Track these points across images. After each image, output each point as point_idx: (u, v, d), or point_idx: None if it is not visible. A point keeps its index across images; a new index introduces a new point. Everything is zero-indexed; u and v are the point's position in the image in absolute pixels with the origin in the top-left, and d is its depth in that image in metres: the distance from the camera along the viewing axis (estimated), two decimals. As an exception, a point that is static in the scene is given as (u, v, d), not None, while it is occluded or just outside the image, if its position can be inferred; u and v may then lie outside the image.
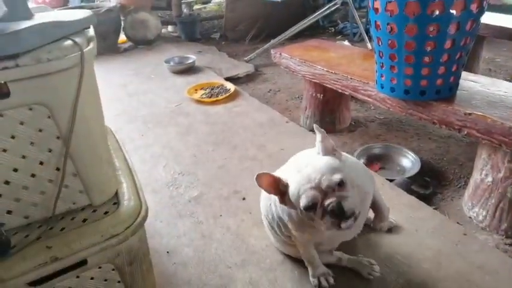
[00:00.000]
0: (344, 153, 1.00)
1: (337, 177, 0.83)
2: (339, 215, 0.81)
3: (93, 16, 0.90)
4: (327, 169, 0.85)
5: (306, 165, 0.88)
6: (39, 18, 0.76)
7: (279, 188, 0.91)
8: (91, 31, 0.89)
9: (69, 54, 0.71)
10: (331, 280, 1.11)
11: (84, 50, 0.74)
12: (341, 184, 0.84)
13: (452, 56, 1.32)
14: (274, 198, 0.99)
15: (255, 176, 0.88)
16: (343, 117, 2.21)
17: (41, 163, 0.76)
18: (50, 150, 0.76)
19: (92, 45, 0.80)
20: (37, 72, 0.67)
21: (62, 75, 0.71)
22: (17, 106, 0.69)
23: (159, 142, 2.06)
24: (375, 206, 1.13)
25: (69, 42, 0.73)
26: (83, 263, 0.80)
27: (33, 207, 0.79)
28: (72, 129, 0.75)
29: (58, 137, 0.76)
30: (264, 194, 1.16)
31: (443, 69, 1.35)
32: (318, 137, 0.92)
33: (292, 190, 0.88)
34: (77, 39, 0.75)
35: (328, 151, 0.92)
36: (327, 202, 0.82)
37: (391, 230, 1.30)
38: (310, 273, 1.13)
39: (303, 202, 0.84)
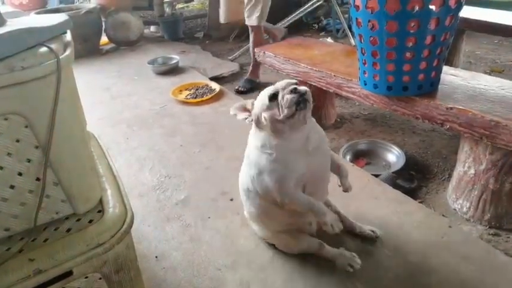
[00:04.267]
0: None
1: (294, 80, 1.03)
2: (295, 91, 0.97)
3: (69, 21, 0.88)
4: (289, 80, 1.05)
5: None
6: (12, 24, 0.74)
7: (247, 109, 1.10)
8: (68, 36, 0.87)
9: (44, 61, 0.69)
10: (340, 225, 1.06)
11: (60, 57, 0.72)
12: (296, 84, 1.02)
13: (433, 51, 1.34)
14: (253, 172, 1.10)
15: (231, 109, 1.11)
16: (329, 114, 2.22)
17: (20, 174, 0.74)
18: (28, 161, 0.74)
19: (68, 51, 0.78)
20: (11, 81, 0.65)
21: (37, 84, 0.69)
22: (-9, 116, 0.67)
23: (144, 145, 2.04)
24: (333, 162, 1.17)
25: (44, 49, 0.71)
26: (68, 273, 0.78)
27: (13, 219, 0.77)
28: (51, 138, 0.73)
29: (37, 147, 0.74)
30: (241, 176, 1.20)
31: (425, 65, 1.37)
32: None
33: (259, 98, 1.05)
34: (53, 46, 0.73)
35: None
36: (287, 88, 1.00)
37: (376, 238, 1.26)
38: (322, 221, 1.04)
39: (268, 92, 1.01)
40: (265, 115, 1.01)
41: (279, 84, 1.02)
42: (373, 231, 1.27)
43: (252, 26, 2.74)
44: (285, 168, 1.03)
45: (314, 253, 1.19)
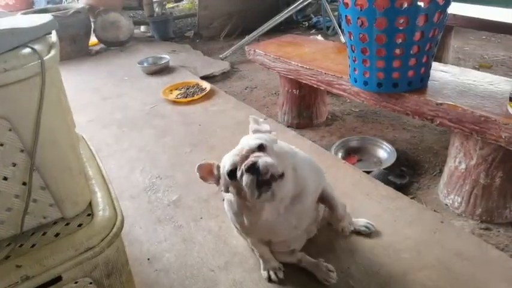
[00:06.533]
0: (292, 147, 1.04)
1: (257, 141, 0.87)
2: (252, 170, 0.81)
3: (54, 21, 0.86)
4: (252, 140, 0.89)
5: (239, 144, 0.92)
6: (-6, 25, 0.72)
7: (214, 173, 0.95)
8: (53, 37, 0.85)
9: (27, 63, 0.67)
10: (281, 275, 1.13)
11: (44, 58, 0.70)
12: (261, 148, 0.86)
13: (422, 47, 1.34)
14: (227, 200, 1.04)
15: (196, 168, 0.94)
16: (320, 111, 2.23)
17: (5, 178, 0.72)
18: (14, 165, 0.72)
19: (53, 52, 0.76)
20: (-7, 84, 0.64)
21: (21, 86, 0.67)
22: (-27, 120, 0.65)
23: (135, 146, 2.02)
24: (327, 201, 1.09)
25: (27, 50, 0.69)
26: (57, 279, 0.77)
27: (-1, 225, 0.75)
28: (36, 141, 0.72)
29: (22, 150, 0.72)
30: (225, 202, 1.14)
31: (414, 61, 1.37)
32: (251, 126, 0.98)
33: (221, 166, 0.92)
34: (36, 47, 0.71)
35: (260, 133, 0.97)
36: (244, 163, 0.84)
37: (370, 235, 1.26)
38: (262, 266, 1.14)
39: (225, 169, 0.87)
40: (231, 190, 0.92)
41: (238, 153, 0.87)
42: (367, 227, 1.27)
43: None
44: (252, 233, 1.06)
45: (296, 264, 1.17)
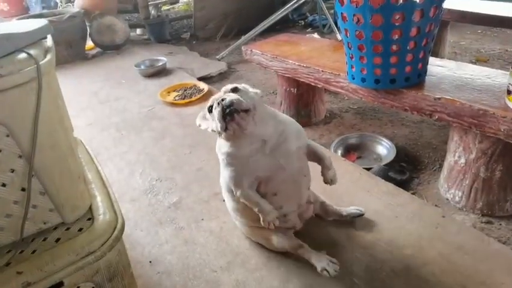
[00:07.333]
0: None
1: (233, 85, 1.02)
2: (222, 103, 0.95)
3: (49, 25, 0.86)
4: (229, 85, 1.04)
5: None
6: (-11, 31, 0.72)
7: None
8: (49, 41, 0.85)
9: (23, 68, 0.67)
10: (277, 222, 1.10)
11: (40, 63, 0.70)
12: (234, 90, 1.01)
13: (419, 43, 1.34)
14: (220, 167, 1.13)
15: (197, 120, 1.11)
16: (318, 109, 2.23)
17: (4, 185, 0.72)
18: (12, 171, 0.72)
19: (49, 56, 0.76)
20: (-11, 90, 0.63)
21: (17, 91, 0.67)
22: (-30, 127, 0.65)
23: (134, 149, 2.01)
24: (314, 154, 1.13)
25: (23, 55, 0.69)
26: (59, 285, 0.76)
27: (-1, 232, 0.75)
28: (34, 147, 0.71)
29: (20, 156, 0.72)
30: (221, 176, 1.19)
31: (411, 57, 1.37)
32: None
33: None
34: (32, 52, 0.71)
35: None
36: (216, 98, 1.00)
37: (355, 218, 1.30)
38: (261, 219, 1.09)
39: (208, 104, 1.04)
40: (210, 126, 1.05)
41: (218, 94, 1.02)
42: (358, 209, 1.31)
43: None
44: (237, 170, 1.06)
45: (293, 253, 1.17)
